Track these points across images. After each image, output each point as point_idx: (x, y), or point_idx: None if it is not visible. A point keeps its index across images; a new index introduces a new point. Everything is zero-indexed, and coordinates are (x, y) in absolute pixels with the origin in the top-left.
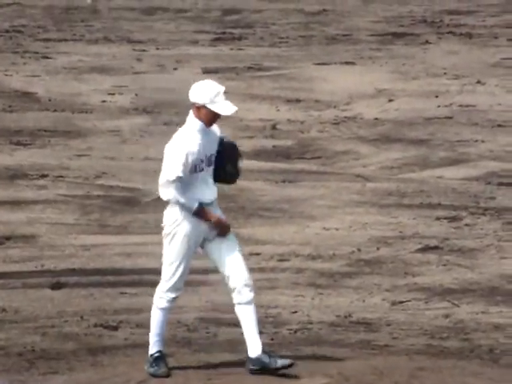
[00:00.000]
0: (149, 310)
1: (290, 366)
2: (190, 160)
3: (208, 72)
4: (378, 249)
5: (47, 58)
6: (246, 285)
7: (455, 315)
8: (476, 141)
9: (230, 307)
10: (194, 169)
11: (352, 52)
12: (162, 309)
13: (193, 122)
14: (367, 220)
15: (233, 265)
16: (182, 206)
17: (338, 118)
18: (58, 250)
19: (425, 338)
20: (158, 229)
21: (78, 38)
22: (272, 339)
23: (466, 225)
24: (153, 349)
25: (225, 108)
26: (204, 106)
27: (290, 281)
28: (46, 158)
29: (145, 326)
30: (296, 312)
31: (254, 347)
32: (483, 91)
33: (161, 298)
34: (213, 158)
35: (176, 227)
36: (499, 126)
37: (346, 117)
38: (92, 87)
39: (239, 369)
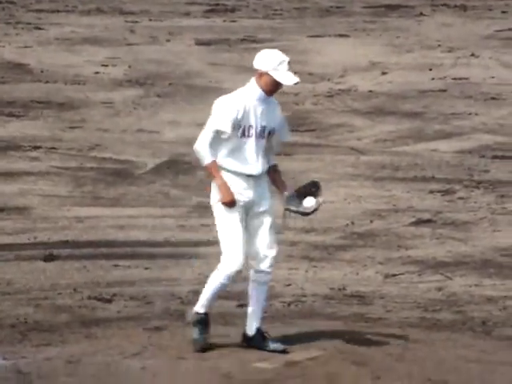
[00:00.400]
0: (142, 281)
1: (282, 352)
2: (238, 117)
3: (201, 44)
4: (371, 222)
5: (40, 28)
6: (269, 267)
7: (448, 288)
8: (470, 114)
9: None
10: (241, 132)
11: (346, 24)
12: (222, 285)
13: (252, 87)
14: (361, 193)
15: (257, 246)
16: (199, 155)
17: (332, 91)
18: (51, 222)
19: (418, 310)
20: (151, 201)
21: (70, 8)
22: (265, 312)
23: (460, 198)
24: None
25: (286, 77)
26: (266, 73)
27: (284, 254)
28: (39, 130)
29: (138, 298)
30: (290, 285)
31: (252, 324)
32: (477, 64)
33: (220, 274)
34: (267, 132)
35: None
36: (493, 98)
37: (340, 89)
38: (85, 59)
39: (232, 341)
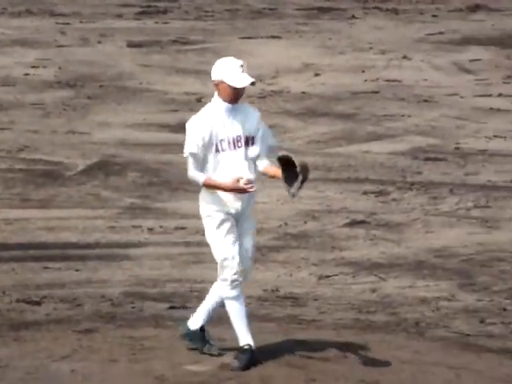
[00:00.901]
0: (72, 283)
1: (216, 355)
2: (206, 138)
3: (132, 46)
4: (305, 223)
5: None
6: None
7: (382, 289)
8: (402, 115)
9: (155, 281)
10: (214, 149)
11: (278, 26)
12: (230, 298)
13: (215, 101)
14: None
15: (246, 256)
16: (195, 182)
17: (264, 92)
18: None
19: (352, 312)
20: (81, 203)
21: (0, 10)
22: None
23: (393, 199)
24: (240, 341)
25: (239, 80)
26: (222, 82)
27: None
28: None
29: (68, 300)
30: None
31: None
32: (409, 66)
33: (225, 286)
34: (243, 141)
35: (210, 205)
36: (425, 101)
37: (272, 91)
38: (15, 60)
39: (165, 343)
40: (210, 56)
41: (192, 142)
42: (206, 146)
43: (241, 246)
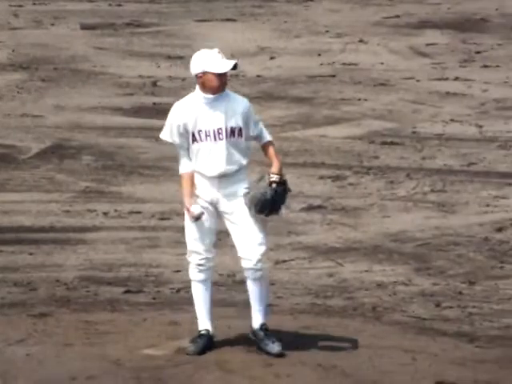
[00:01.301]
0: (27, 267)
1: (278, 355)
2: (181, 127)
3: (86, 28)
4: None
5: None
6: (254, 265)
7: (339, 274)
8: (359, 99)
9: (110, 266)
10: (191, 138)
11: (233, 9)
12: (196, 281)
13: (196, 94)
14: (250, 178)
15: (244, 241)
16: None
17: None
18: None
19: (309, 297)
20: (35, 186)
21: None
22: (154, 298)
23: (350, 184)
24: (199, 325)
25: (221, 66)
26: (203, 73)
27: (172, 239)
28: None
29: (23, 284)
30: (179, 271)
31: (253, 319)
32: (365, 50)
33: (192, 268)
34: (228, 132)
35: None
36: (381, 84)
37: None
38: None
39: (120, 328)
40: (165, 39)
41: (166, 128)
42: (182, 135)
43: (239, 233)
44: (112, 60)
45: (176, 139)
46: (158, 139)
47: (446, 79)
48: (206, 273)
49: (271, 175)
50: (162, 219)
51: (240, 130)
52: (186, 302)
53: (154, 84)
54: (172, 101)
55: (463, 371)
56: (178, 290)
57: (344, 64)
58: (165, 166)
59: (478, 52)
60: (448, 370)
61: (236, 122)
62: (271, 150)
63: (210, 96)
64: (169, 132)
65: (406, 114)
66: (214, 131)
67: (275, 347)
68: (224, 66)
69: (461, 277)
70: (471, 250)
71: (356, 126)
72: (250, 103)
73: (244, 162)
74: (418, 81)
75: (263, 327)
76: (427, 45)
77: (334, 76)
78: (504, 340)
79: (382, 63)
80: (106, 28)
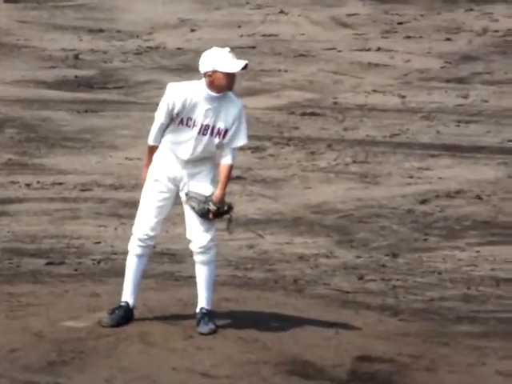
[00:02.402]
0: None
1: (203, 333)
2: (175, 110)
3: (9, 1)
4: None
5: None
6: (199, 248)
7: (259, 246)
8: (279, 70)
9: (32, 237)
10: (179, 121)
11: None
12: (132, 254)
13: (202, 84)
14: None
15: (192, 224)
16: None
17: (140, 48)
18: None
19: (229, 268)
20: None
21: None
22: (75, 270)
23: (270, 155)
24: (122, 296)
25: (232, 66)
26: (213, 71)
27: (93, 211)
28: None
29: None
30: (99, 242)
31: (198, 301)
32: (286, 21)
33: (132, 240)
34: (214, 131)
35: (152, 169)
36: (302, 55)
37: (148, 47)
38: None
39: (42, 300)
40: (87, 12)
41: (161, 109)
42: (173, 118)
43: (191, 216)
44: (35, 33)
45: (163, 120)
46: (79, 112)
47: (368, 50)
48: (144, 249)
49: (211, 204)
50: (84, 190)
51: (226, 131)
52: (106, 273)
53: (76, 57)
54: (93, 73)
55: (387, 345)
56: (99, 262)
57: (264, 35)
58: (86, 138)
59: (400, 23)
60: (371, 343)
61: (225, 124)
62: (226, 174)
63: (214, 94)
64: (161, 112)
65: (327, 84)
66: (201, 125)
67: (204, 328)
68: (234, 65)
69: (384, 249)
70: (394, 222)
71: (276, 97)
72: (242, 106)
73: (211, 160)
74: (339, 51)
75: (202, 310)
76: (348, 15)
77: (254, 47)
78: (428, 313)
79: (302, 34)
80: (29, 1)
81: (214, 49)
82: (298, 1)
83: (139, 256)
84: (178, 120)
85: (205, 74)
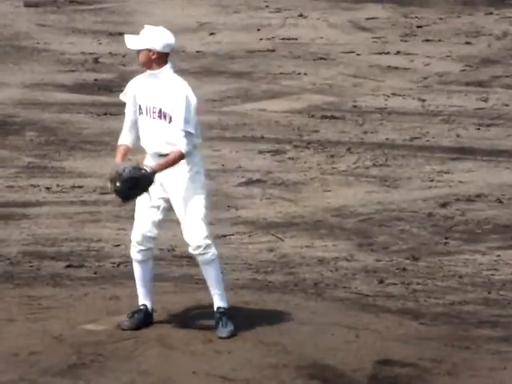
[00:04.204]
0: None
1: (223, 337)
2: (130, 98)
3: (29, 5)
4: None
5: None
6: (195, 250)
7: (279, 249)
8: (299, 74)
9: (52, 240)
10: (138, 111)
11: None
12: (134, 260)
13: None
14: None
15: (184, 227)
16: None
17: None
18: None
19: (249, 272)
20: None
21: None
22: (95, 273)
23: (290, 158)
24: (139, 301)
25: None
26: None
27: (113, 214)
28: None
29: None
30: (119, 245)
31: (214, 304)
32: (305, 24)
33: (132, 246)
34: (156, 112)
35: None
36: (321, 58)
37: None
38: None
39: (62, 302)
40: (106, 16)
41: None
42: (131, 107)
43: (181, 217)
44: (54, 37)
45: (129, 110)
46: (99, 115)
47: (388, 53)
48: (144, 252)
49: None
50: (103, 194)
51: (171, 117)
52: (126, 276)
53: (96, 60)
54: (113, 77)
55: (407, 349)
56: (119, 265)
57: (283, 39)
58: (105, 140)
59: (419, 26)
60: (392, 347)
61: (162, 104)
62: (170, 156)
63: (147, 71)
64: (127, 105)
65: (346, 88)
66: (148, 108)
67: (223, 331)
68: (129, 41)
69: (404, 253)
70: (415, 225)
71: (295, 100)
72: (185, 97)
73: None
74: (358, 55)
75: (219, 310)
76: (368, 19)
77: (273, 51)
78: (448, 317)
79: (321, 37)
80: (49, 5)
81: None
82: (317, 4)
83: (141, 261)
84: (138, 110)
85: None
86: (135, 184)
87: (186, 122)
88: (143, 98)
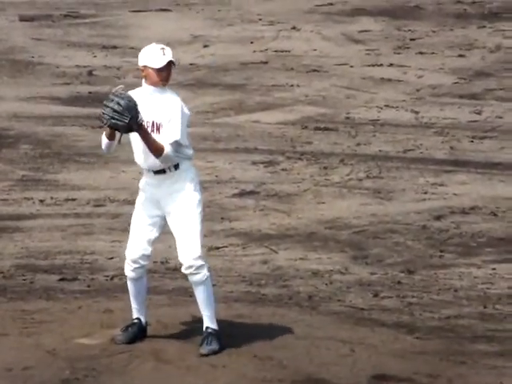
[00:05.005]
0: None
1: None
2: None
3: (24, 20)
4: None
5: None
6: (187, 269)
7: (273, 261)
8: (292, 85)
9: (46, 253)
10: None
11: None
12: (129, 278)
13: (142, 85)
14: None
15: (178, 246)
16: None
17: None
18: None
19: (243, 284)
20: None
21: None
22: (89, 286)
23: (283, 169)
24: (132, 314)
25: (160, 61)
26: (145, 67)
27: (106, 226)
28: None
29: None
30: (112, 258)
31: (204, 321)
32: (298, 37)
33: (126, 264)
34: (155, 126)
35: (139, 192)
36: (314, 70)
37: None
38: None
39: (56, 316)
40: (101, 29)
41: None
42: None
43: (176, 235)
44: (49, 50)
45: None
46: (93, 127)
47: (381, 65)
48: (138, 270)
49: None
50: (97, 206)
51: (161, 125)
52: (120, 289)
53: (90, 73)
54: (107, 90)
55: (403, 363)
56: (112, 278)
57: (276, 51)
58: (99, 153)
59: (412, 39)
60: (387, 361)
61: (159, 118)
62: (159, 143)
63: (151, 88)
64: None
65: (339, 99)
66: (147, 122)
67: (205, 348)
68: (161, 61)
69: (399, 266)
70: (409, 238)
71: (289, 112)
72: (181, 108)
73: (177, 159)
74: (351, 67)
75: (208, 329)
76: (360, 31)
77: (266, 63)
78: (444, 331)
79: (314, 50)
80: (44, 19)
81: (151, 45)
82: (311, 17)
83: (135, 279)
84: None
85: (140, 69)
86: (121, 111)
87: (182, 132)
88: (145, 113)
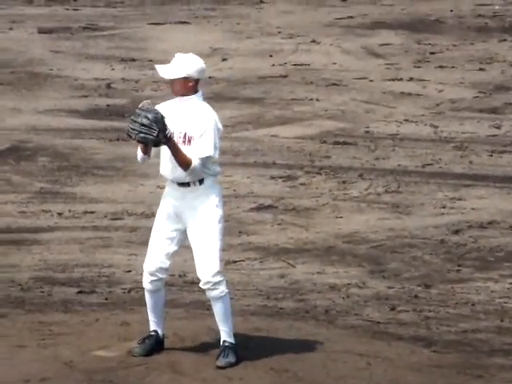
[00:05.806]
0: None
1: (218, 367)
2: None
3: (43, 32)
4: None
5: None
6: (205, 285)
7: (291, 275)
8: (311, 99)
9: (63, 266)
10: None
11: (186, 12)
12: (146, 290)
13: None
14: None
15: (196, 261)
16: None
17: None
18: None
19: (260, 298)
20: None
21: None
22: (106, 299)
23: (302, 184)
24: (150, 326)
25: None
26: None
27: (124, 239)
28: None
29: None
30: (130, 271)
31: (221, 335)
32: (318, 50)
33: (144, 276)
34: (186, 138)
35: (160, 203)
36: (334, 84)
37: None
38: None
39: (73, 329)
40: (120, 42)
41: None
42: None
43: (194, 250)
44: (68, 63)
45: None
46: (111, 140)
47: (400, 79)
48: (156, 283)
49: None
50: (115, 219)
51: (193, 138)
52: (137, 302)
53: (108, 86)
54: (125, 102)
55: (420, 376)
56: (130, 291)
57: (296, 64)
58: (117, 166)
59: (432, 53)
60: (404, 375)
61: (189, 130)
62: (186, 156)
63: (176, 98)
64: None
65: (358, 114)
66: (176, 133)
67: (222, 361)
68: (161, 71)
69: (416, 280)
70: (427, 252)
71: (307, 126)
72: (215, 122)
73: (203, 174)
74: (371, 81)
75: (225, 343)
76: (380, 45)
77: (285, 76)
78: (461, 345)
79: (334, 63)
80: (63, 32)
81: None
82: (330, 30)
83: (153, 291)
84: None
85: None
86: (149, 124)
87: (214, 148)
88: (169, 123)
